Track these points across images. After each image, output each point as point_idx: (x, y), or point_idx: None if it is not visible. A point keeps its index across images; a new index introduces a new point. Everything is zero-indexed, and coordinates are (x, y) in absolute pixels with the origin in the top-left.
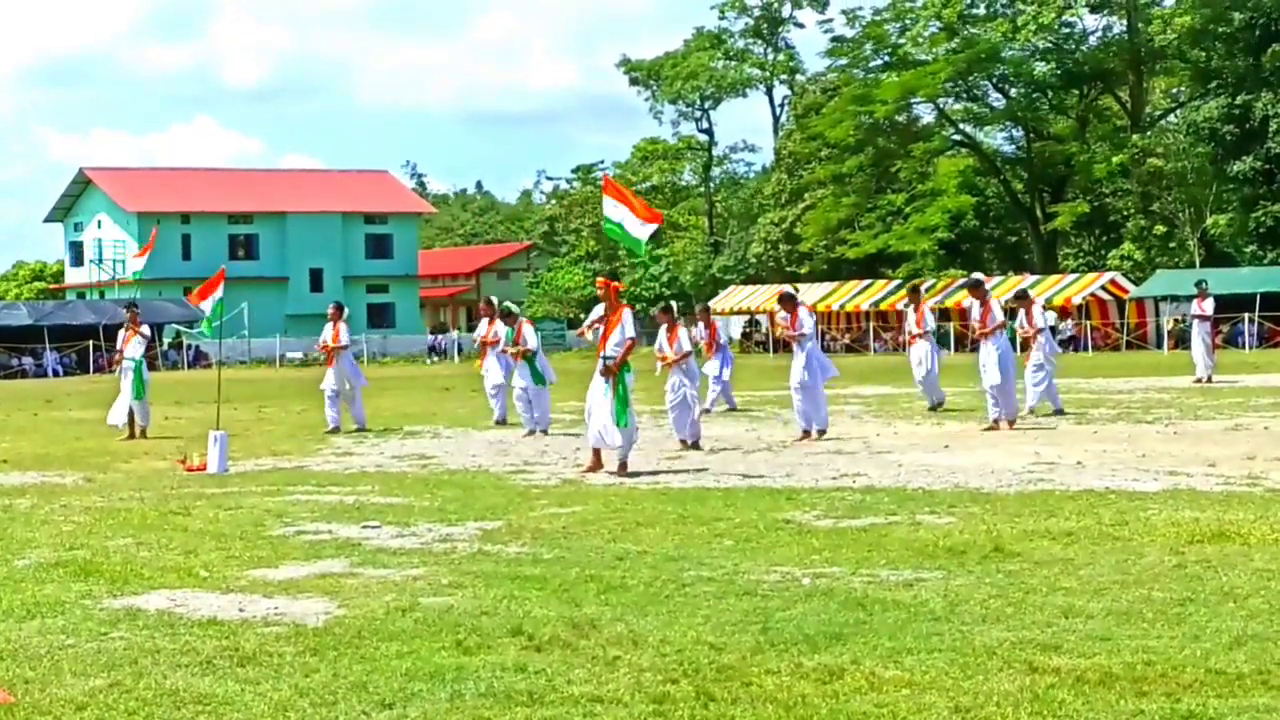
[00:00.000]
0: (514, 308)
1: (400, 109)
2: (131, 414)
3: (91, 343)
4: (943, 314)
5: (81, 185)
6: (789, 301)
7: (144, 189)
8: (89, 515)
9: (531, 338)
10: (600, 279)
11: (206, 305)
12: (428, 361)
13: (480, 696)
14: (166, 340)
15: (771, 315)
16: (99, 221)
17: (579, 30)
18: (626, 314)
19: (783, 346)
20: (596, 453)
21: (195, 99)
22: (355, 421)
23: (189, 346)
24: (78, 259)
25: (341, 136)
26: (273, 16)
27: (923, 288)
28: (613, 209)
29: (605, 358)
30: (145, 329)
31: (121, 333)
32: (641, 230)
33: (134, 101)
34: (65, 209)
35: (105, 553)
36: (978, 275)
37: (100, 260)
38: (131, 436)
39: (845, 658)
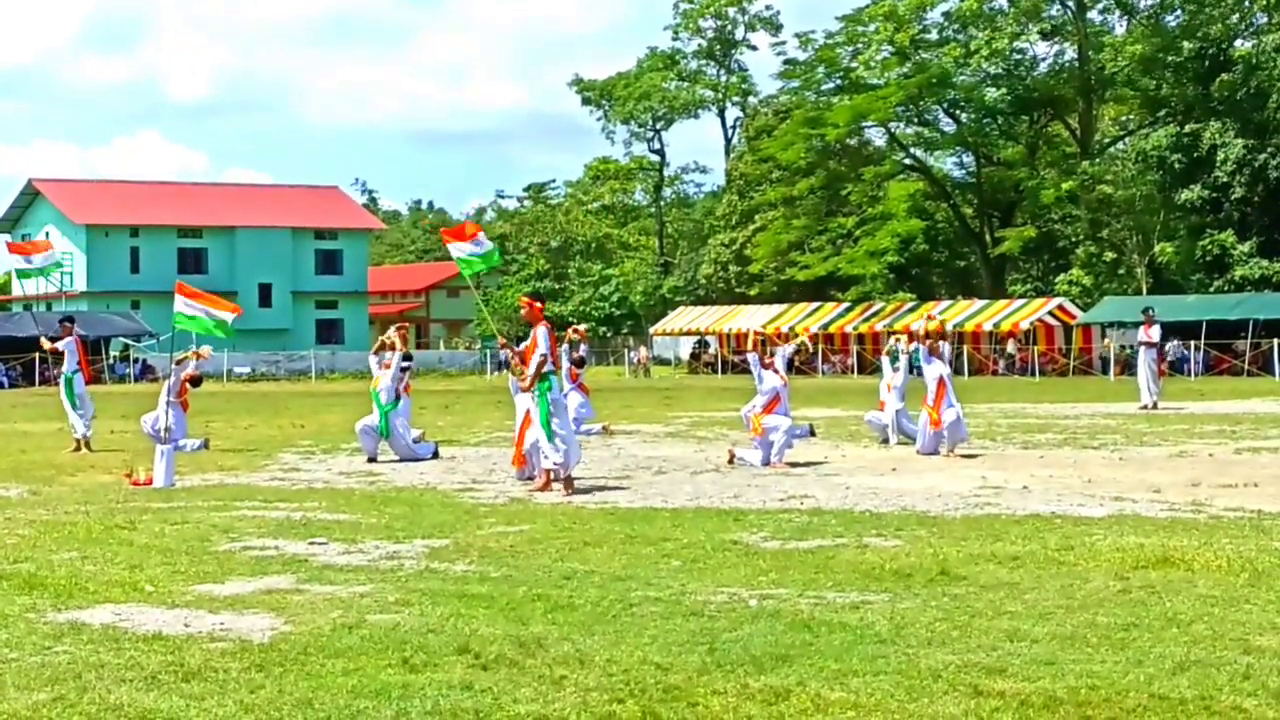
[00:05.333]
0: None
1: (347, 126)
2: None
3: (37, 355)
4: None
5: (30, 197)
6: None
7: (93, 201)
8: (34, 528)
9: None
10: (523, 298)
11: (226, 315)
12: (488, 376)
13: (426, 715)
14: (114, 353)
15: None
16: (46, 233)
17: (531, 49)
18: (539, 330)
19: (731, 368)
20: (547, 472)
21: (139, 113)
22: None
23: (136, 360)
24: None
25: (287, 152)
26: (216, 31)
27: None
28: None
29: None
30: (70, 341)
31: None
32: (466, 248)
33: (76, 114)
34: (13, 220)
35: (50, 566)
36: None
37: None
38: (77, 449)
39: (791, 679)
